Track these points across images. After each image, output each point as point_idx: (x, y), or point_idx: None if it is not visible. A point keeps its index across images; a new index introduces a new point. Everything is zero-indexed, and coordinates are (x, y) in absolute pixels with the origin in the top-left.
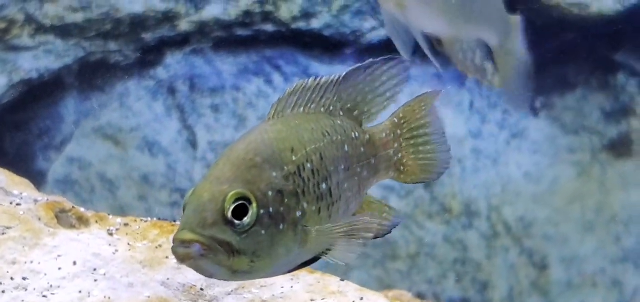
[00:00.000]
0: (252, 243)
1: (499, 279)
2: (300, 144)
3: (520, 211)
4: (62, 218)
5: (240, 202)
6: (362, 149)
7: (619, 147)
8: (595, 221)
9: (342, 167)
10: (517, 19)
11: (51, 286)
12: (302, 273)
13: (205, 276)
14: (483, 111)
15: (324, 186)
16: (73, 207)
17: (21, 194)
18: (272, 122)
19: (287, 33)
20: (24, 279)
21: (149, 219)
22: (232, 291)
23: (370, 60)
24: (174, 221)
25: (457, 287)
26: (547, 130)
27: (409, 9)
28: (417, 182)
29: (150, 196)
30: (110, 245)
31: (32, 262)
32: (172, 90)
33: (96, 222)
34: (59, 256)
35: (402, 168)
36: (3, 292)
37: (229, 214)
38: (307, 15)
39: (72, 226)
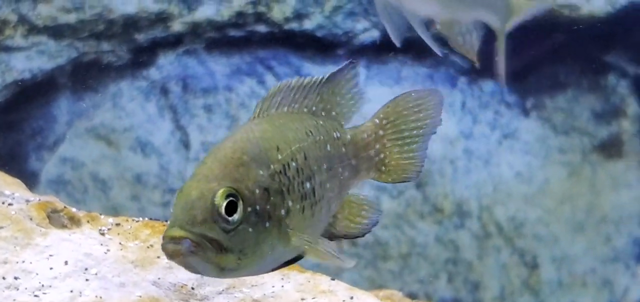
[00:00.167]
0: (239, 240)
1: (491, 278)
2: (285, 143)
3: (512, 211)
4: (54, 218)
5: (230, 199)
6: (344, 150)
7: (610, 148)
8: (585, 221)
9: (325, 166)
10: (526, 3)
11: (43, 285)
12: (293, 272)
13: (194, 272)
14: (474, 112)
15: (307, 185)
16: (65, 207)
17: (13, 194)
18: (257, 121)
19: (280, 34)
20: (16, 278)
21: (141, 218)
22: (223, 290)
23: (351, 60)
24: (166, 221)
25: (449, 287)
26: (538, 131)
27: None
28: (398, 182)
29: (143, 196)
30: (101, 245)
31: (23, 261)
32: (164, 91)
33: (88, 222)
34: (50, 255)
35: (383, 168)
36: None
37: (221, 211)
38: (299, 16)
39: (63, 226)
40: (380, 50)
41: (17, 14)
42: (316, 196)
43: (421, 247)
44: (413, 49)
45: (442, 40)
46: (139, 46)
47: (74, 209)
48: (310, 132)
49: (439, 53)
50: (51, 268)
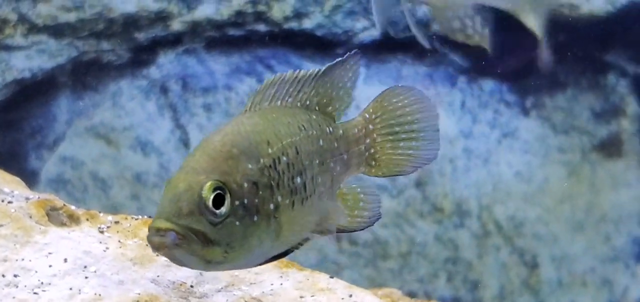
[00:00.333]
0: (226, 234)
1: (490, 278)
2: (276, 137)
3: (511, 210)
4: (53, 216)
5: (217, 192)
6: (336, 144)
7: (609, 147)
8: (585, 220)
9: (317, 161)
10: None
11: (42, 283)
12: (292, 270)
13: (179, 265)
14: (474, 111)
15: (298, 179)
16: (64, 205)
17: (12, 191)
18: (248, 114)
19: (280, 33)
20: (15, 276)
21: (140, 217)
22: (221, 288)
23: (347, 54)
24: None
25: (448, 286)
26: (538, 130)
27: None
28: (389, 176)
29: (143, 195)
30: (100, 243)
31: (23, 259)
32: (164, 90)
33: (87, 220)
34: (49, 253)
35: (373, 163)
36: None
37: (208, 204)
38: (299, 15)
39: (63, 224)
40: (380, 49)
41: (17, 13)
42: (307, 191)
43: (421, 246)
44: (413, 48)
45: (443, 39)
46: (139, 45)
47: (73, 207)
48: (303, 126)
49: (425, 44)
50: (50, 266)
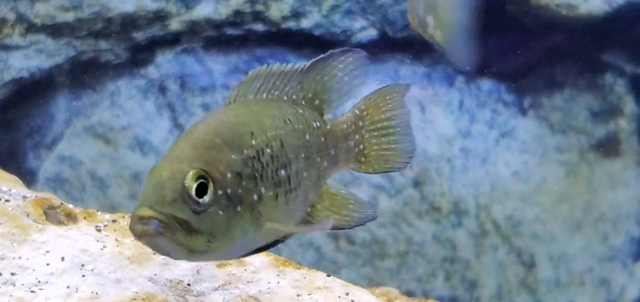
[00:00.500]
0: (209, 223)
1: (488, 277)
2: (260, 129)
3: (509, 209)
4: (51, 214)
5: (200, 181)
6: (323, 139)
7: (607, 147)
8: (582, 219)
9: (302, 155)
10: None
11: (39, 281)
12: (289, 269)
13: (162, 254)
14: (472, 111)
15: (282, 172)
16: (61, 203)
17: (10, 190)
18: (233, 106)
19: (278, 32)
20: (12, 274)
21: None
22: (219, 286)
23: (331, 51)
24: None
25: (446, 285)
26: (536, 130)
27: None
28: (378, 173)
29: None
30: (98, 241)
31: (20, 257)
32: (162, 89)
33: (84, 218)
34: (47, 251)
35: (362, 159)
36: None
37: (191, 193)
38: (297, 14)
39: (60, 222)
40: (378, 48)
41: (15, 13)
42: (292, 183)
43: (419, 245)
44: (411, 47)
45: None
46: (137, 45)
47: (70, 206)
48: (289, 120)
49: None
50: (48, 264)
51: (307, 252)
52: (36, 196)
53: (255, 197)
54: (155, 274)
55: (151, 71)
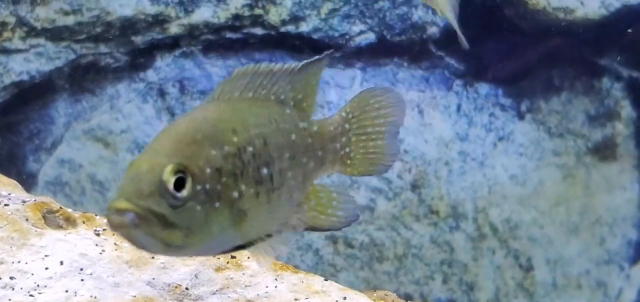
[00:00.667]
0: (186, 217)
1: (485, 280)
2: (243, 126)
3: (506, 212)
4: (50, 219)
5: (178, 175)
6: (310, 140)
7: (604, 151)
8: (579, 223)
9: (287, 155)
10: None
11: (38, 285)
12: (286, 273)
13: (138, 247)
14: (470, 114)
15: (265, 170)
16: (60, 207)
17: (9, 194)
18: (218, 102)
19: (276, 36)
20: (11, 278)
21: None
22: (216, 290)
23: (325, 52)
24: None
25: (444, 288)
26: (533, 134)
27: None
28: (364, 175)
29: None
30: (97, 245)
31: (19, 262)
32: (162, 93)
33: (83, 222)
34: (46, 256)
35: (348, 162)
36: None
37: (168, 186)
38: (296, 18)
39: (59, 227)
40: (376, 52)
41: (15, 16)
42: (275, 183)
43: (416, 248)
44: (410, 51)
45: (439, 42)
46: (137, 48)
47: (69, 210)
48: (275, 119)
49: (465, 45)
50: (47, 268)
51: (306, 255)
52: (35, 200)
53: (235, 194)
54: (153, 278)
55: (150, 75)
